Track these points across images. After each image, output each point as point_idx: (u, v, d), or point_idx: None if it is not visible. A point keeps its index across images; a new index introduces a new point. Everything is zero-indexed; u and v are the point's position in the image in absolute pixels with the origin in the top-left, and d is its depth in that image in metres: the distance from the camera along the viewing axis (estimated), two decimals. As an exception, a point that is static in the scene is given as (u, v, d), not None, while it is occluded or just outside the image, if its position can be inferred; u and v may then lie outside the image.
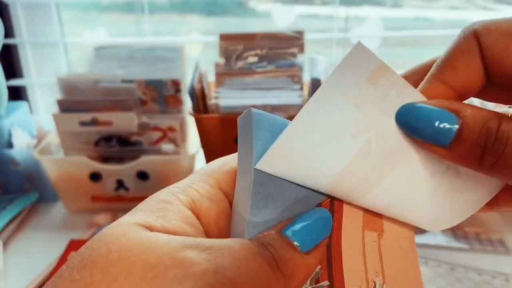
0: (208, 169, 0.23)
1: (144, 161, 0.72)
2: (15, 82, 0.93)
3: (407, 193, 0.21)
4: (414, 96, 0.20)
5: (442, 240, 0.66)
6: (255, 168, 0.20)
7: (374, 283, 0.22)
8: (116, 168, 0.73)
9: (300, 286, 0.20)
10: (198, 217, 0.21)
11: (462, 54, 0.21)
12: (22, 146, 0.79)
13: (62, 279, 0.17)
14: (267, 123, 0.21)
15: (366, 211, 0.22)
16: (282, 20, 0.92)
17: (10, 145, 0.78)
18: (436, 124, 0.19)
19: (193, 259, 0.17)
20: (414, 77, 0.23)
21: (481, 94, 0.22)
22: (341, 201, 0.22)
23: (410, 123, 0.20)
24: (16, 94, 0.96)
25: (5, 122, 0.77)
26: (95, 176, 0.74)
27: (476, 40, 0.20)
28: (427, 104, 0.20)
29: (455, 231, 0.69)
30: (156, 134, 0.75)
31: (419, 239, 0.65)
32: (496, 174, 0.19)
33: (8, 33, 0.91)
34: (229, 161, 0.23)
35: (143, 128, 0.74)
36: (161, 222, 0.19)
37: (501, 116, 0.19)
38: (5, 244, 0.70)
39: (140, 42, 0.91)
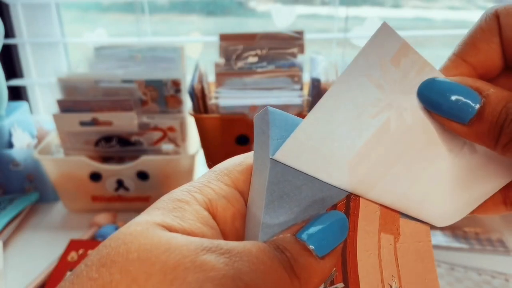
0: (224, 168, 0.23)
1: (144, 161, 0.72)
2: (15, 82, 0.93)
3: (422, 176, 0.21)
4: (434, 74, 0.20)
5: (442, 240, 0.66)
6: (271, 166, 0.20)
7: (390, 286, 0.21)
8: (116, 168, 0.73)
9: None
10: (214, 217, 0.21)
11: (483, 33, 0.21)
12: (22, 146, 0.79)
13: (80, 277, 0.17)
14: (284, 122, 0.20)
15: (383, 213, 0.22)
16: (282, 20, 0.92)
17: (10, 145, 0.78)
18: (459, 99, 0.19)
19: (212, 263, 0.17)
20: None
21: (497, 81, 0.22)
22: (357, 203, 0.22)
23: (432, 97, 0.20)
24: (16, 94, 0.96)
25: (5, 122, 0.77)
26: (95, 176, 0.74)
27: (497, 20, 0.21)
28: (451, 80, 0.20)
29: (455, 231, 0.69)
30: (156, 134, 0.75)
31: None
32: (508, 154, 0.19)
33: (8, 33, 0.91)
34: (245, 159, 0.23)
35: (143, 128, 0.74)
36: (178, 222, 0.19)
37: None
38: (5, 244, 0.70)
39: (140, 42, 0.91)
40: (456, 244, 0.65)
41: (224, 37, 0.74)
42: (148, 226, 0.18)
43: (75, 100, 0.72)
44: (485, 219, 0.72)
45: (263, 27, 0.81)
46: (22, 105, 0.84)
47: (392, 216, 0.22)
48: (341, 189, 0.21)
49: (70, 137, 0.74)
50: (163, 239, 0.18)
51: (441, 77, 0.20)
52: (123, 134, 0.74)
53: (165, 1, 1.00)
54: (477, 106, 0.19)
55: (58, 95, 0.73)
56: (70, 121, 0.72)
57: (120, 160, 0.77)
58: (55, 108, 0.72)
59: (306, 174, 0.20)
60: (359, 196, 0.22)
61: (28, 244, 0.71)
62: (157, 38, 0.93)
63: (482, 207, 0.23)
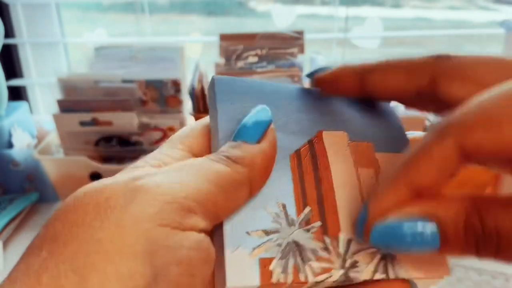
0: (177, 135, 0.23)
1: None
2: (15, 82, 0.93)
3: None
4: None
5: (442, 240, 0.66)
6: (218, 127, 0.21)
7: None
8: (116, 168, 0.73)
9: (264, 176, 0.20)
10: None
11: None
12: (22, 146, 0.79)
13: (34, 241, 0.18)
14: (230, 85, 0.22)
15: (354, 149, 0.22)
16: (282, 20, 0.92)
17: (10, 145, 0.78)
18: (417, 238, 0.18)
19: (152, 183, 0.17)
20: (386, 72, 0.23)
21: (405, 102, 0.23)
22: (321, 145, 0.22)
23: (391, 245, 0.19)
24: (16, 94, 0.96)
25: (5, 122, 0.77)
26: (95, 176, 0.74)
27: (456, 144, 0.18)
28: (398, 221, 0.18)
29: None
30: (156, 134, 0.74)
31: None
32: (503, 262, 0.18)
33: (8, 33, 0.91)
34: (198, 124, 0.23)
35: (143, 128, 0.74)
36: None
37: (478, 207, 0.18)
38: (5, 244, 0.70)
39: (140, 42, 0.91)
40: (456, 244, 0.65)
41: (224, 37, 0.74)
42: (111, 180, 0.19)
43: (75, 100, 0.72)
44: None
45: (263, 27, 0.81)
46: (22, 105, 0.84)
47: (365, 152, 0.22)
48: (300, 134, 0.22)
49: (70, 137, 0.74)
50: (96, 183, 0.18)
51: None
52: (123, 134, 0.74)
53: (165, 1, 1.00)
54: (436, 234, 0.18)
55: (58, 95, 0.73)
56: (70, 121, 0.72)
57: (120, 160, 0.77)
58: (55, 108, 0.72)
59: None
60: (321, 138, 0.22)
61: (28, 244, 0.71)
62: (157, 38, 0.93)
63: None
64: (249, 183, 0.19)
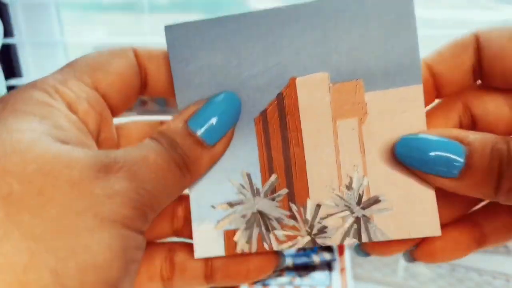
0: (83, 65, 0.20)
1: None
2: (14, 82, 0.92)
3: None
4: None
5: (443, 240, 0.66)
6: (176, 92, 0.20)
7: (351, 178, 0.19)
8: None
9: (205, 171, 0.20)
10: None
11: (455, 46, 0.22)
12: (21, 146, 0.79)
13: None
14: (184, 40, 0.19)
15: (336, 96, 0.19)
16: (282, 20, 0.92)
17: (9, 145, 0.78)
18: (441, 155, 0.18)
19: (115, 177, 0.17)
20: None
21: (465, 97, 0.22)
22: (293, 99, 0.19)
23: (414, 156, 0.18)
24: (16, 94, 0.96)
25: (5, 122, 0.77)
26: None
27: (475, 38, 0.21)
28: (428, 135, 0.19)
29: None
30: (156, 134, 0.74)
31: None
32: None
33: (8, 33, 0.91)
34: (113, 58, 0.21)
35: (143, 128, 0.74)
36: (60, 132, 0.18)
37: (507, 139, 0.18)
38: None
39: (140, 42, 0.91)
40: (456, 245, 0.65)
41: (224, 37, 0.74)
42: (39, 135, 0.17)
43: (74, 100, 0.72)
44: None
45: (263, 27, 0.81)
46: (21, 105, 0.84)
47: (350, 95, 0.19)
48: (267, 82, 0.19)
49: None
50: (62, 152, 0.17)
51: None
52: (123, 134, 0.73)
53: (165, 0, 1.00)
54: (463, 157, 0.18)
55: (57, 95, 0.73)
56: (70, 121, 0.71)
57: (120, 160, 0.76)
58: (54, 108, 0.72)
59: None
60: (294, 87, 0.19)
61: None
62: (157, 38, 0.93)
63: None
64: (189, 180, 0.19)
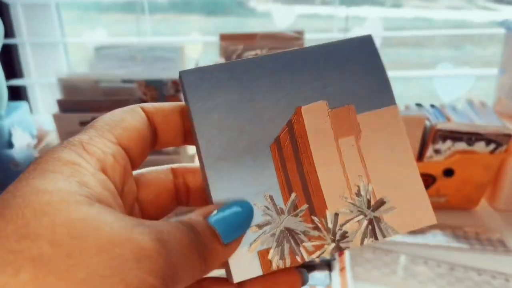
0: (105, 123, 0.21)
1: (144, 161, 0.72)
2: (15, 82, 0.93)
3: None
4: None
5: (442, 240, 0.66)
6: (199, 139, 0.21)
7: (358, 187, 0.22)
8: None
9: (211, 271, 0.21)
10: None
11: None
12: (22, 146, 0.79)
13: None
14: (199, 81, 0.22)
15: (334, 119, 0.23)
16: (282, 20, 0.92)
17: (10, 145, 0.78)
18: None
19: (146, 241, 0.17)
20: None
21: None
22: (301, 124, 0.22)
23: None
24: (16, 94, 0.96)
25: (5, 122, 0.77)
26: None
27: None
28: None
29: (455, 231, 0.69)
30: (156, 134, 0.74)
31: (419, 239, 0.65)
32: None
33: (8, 33, 0.91)
34: (125, 114, 0.22)
35: (143, 128, 0.74)
36: (86, 190, 0.18)
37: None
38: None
39: (140, 42, 0.91)
40: (456, 244, 0.65)
41: (224, 37, 0.74)
42: (66, 196, 0.17)
43: (75, 100, 0.72)
44: (486, 219, 0.72)
45: (263, 27, 0.81)
46: (22, 105, 0.84)
47: (346, 117, 0.23)
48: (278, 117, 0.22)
49: (70, 137, 0.73)
50: (91, 214, 0.17)
51: None
52: (123, 134, 0.73)
53: (165, 1, 1.00)
54: None
55: (58, 95, 0.73)
56: (70, 121, 0.72)
57: (120, 160, 0.76)
58: (55, 108, 0.72)
59: (235, 121, 0.22)
60: (301, 115, 0.22)
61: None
62: (157, 38, 0.93)
63: None
64: (203, 270, 0.20)
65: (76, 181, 0.18)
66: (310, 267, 0.59)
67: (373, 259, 0.62)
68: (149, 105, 0.23)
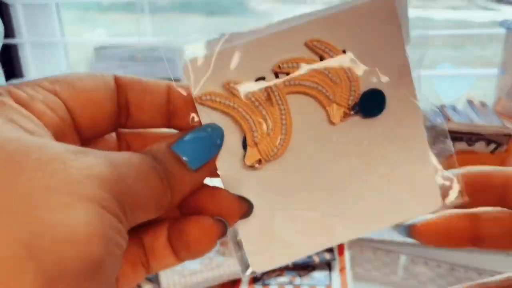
0: (52, 78, 0.20)
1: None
2: (15, 82, 0.92)
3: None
4: None
5: (442, 240, 0.66)
6: None
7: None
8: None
9: (182, 200, 0.20)
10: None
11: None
12: (22, 146, 0.79)
13: None
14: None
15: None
16: (282, 20, 0.92)
17: (10, 145, 0.78)
18: None
19: (96, 162, 0.16)
20: None
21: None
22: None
23: None
24: (16, 94, 0.96)
25: (5, 122, 0.77)
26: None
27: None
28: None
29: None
30: (156, 134, 0.74)
31: (419, 239, 0.65)
32: None
33: (8, 33, 0.91)
34: (86, 78, 0.20)
35: (143, 128, 0.74)
36: (15, 125, 0.17)
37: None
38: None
39: (141, 42, 0.91)
40: (456, 244, 0.66)
41: (224, 37, 0.74)
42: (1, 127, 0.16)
43: (75, 100, 0.72)
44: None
45: (263, 27, 0.81)
46: (22, 105, 0.84)
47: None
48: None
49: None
50: (26, 138, 0.16)
51: None
52: (123, 134, 0.73)
53: (165, 1, 1.00)
54: None
55: (58, 95, 0.73)
56: (70, 121, 0.72)
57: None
58: (55, 108, 0.72)
59: None
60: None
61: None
62: (157, 38, 0.93)
63: None
64: (168, 197, 0.18)
65: (2, 117, 0.17)
66: (310, 267, 0.59)
67: (373, 259, 0.62)
68: (127, 77, 0.21)
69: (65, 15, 0.97)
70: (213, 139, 0.20)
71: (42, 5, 0.92)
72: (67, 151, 0.16)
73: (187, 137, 0.19)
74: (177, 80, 0.22)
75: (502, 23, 0.78)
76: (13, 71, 0.95)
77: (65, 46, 0.98)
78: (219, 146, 0.20)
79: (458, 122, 0.66)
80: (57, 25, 0.95)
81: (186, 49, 0.21)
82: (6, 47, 0.92)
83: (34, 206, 0.14)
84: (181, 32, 1.08)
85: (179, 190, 0.19)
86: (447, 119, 0.68)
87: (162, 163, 0.18)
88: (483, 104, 0.76)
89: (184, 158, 0.19)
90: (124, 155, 0.17)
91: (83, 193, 0.15)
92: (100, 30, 0.98)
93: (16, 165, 0.14)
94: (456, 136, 0.63)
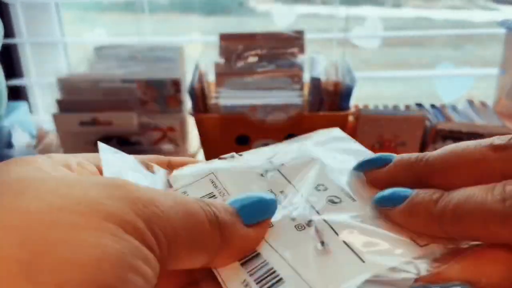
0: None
1: (144, 161, 0.72)
2: (15, 82, 0.92)
3: None
4: None
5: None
6: None
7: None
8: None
9: (236, 257, 0.19)
10: None
11: None
12: (22, 146, 0.79)
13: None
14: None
15: None
16: (282, 20, 0.92)
17: (10, 145, 0.78)
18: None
19: (121, 188, 0.16)
20: None
21: None
22: None
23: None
24: (16, 94, 0.96)
25: (5, 122, 0.77)
26: (95, 176, 0.74)
27: None
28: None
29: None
30: (156, 134, 0.74)
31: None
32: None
33: (8, 33, 0.91)
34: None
35: (143, 128, 0.74)
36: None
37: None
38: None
39: (140, 42, 0.91)
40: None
41: (224, 37, 0.74)
42: (47, 168, 0.17)
43: (75, 100, 0.72)
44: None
45: (263, 27, 0.81)
46: (22, 105, 0.84)
47: None
48: None
49: (70, 137, 0.73)
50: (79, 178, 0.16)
51: None
52: (123, 134, 0.73)
53: (165, 1, 1.00)
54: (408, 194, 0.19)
55: (58, 95, 0.73)
56: (70, 121, 0.72)
57: (120, 160, 0.76)
58: (55, 108, 0.72)
59: None
60: None
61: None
62: (157, 38, 0.93)
63: None
64: (218, 244, 0.18)
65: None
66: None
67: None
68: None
69: (65, 15, 0.97)
70: (269, 203, 0.20)
71: (42, 5, 0.92)
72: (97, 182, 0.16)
73: (243, 197, 0.19)
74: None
75: (502, 23, 0.78)
76: (13, 71, 0.95)
77: (65, 46, 0.98)
78: (273, 211, 0.20)
79: (458, 122, 0.66)
80: (57, 25, 0.95)
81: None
82: (6, 47, 0.92)
83: (41, 225, 0.14)
84: (181, 32, 1.08)
85: (229, 238, 0.18)
86: (447, 119, 0.68)
87: (213, 206, 0.18)
88: (483, 104, 0.76)
89: (239, 213, 0.19)
90: (170, 193, 0.17)
91: (99, 213, 0.14)
92: (100, 30, 0.98)
93: (31, 189, 0.14)
94: (456, 136, 0.63)
